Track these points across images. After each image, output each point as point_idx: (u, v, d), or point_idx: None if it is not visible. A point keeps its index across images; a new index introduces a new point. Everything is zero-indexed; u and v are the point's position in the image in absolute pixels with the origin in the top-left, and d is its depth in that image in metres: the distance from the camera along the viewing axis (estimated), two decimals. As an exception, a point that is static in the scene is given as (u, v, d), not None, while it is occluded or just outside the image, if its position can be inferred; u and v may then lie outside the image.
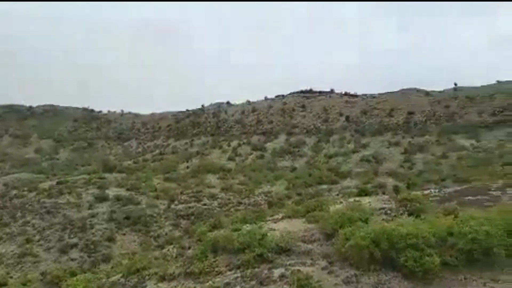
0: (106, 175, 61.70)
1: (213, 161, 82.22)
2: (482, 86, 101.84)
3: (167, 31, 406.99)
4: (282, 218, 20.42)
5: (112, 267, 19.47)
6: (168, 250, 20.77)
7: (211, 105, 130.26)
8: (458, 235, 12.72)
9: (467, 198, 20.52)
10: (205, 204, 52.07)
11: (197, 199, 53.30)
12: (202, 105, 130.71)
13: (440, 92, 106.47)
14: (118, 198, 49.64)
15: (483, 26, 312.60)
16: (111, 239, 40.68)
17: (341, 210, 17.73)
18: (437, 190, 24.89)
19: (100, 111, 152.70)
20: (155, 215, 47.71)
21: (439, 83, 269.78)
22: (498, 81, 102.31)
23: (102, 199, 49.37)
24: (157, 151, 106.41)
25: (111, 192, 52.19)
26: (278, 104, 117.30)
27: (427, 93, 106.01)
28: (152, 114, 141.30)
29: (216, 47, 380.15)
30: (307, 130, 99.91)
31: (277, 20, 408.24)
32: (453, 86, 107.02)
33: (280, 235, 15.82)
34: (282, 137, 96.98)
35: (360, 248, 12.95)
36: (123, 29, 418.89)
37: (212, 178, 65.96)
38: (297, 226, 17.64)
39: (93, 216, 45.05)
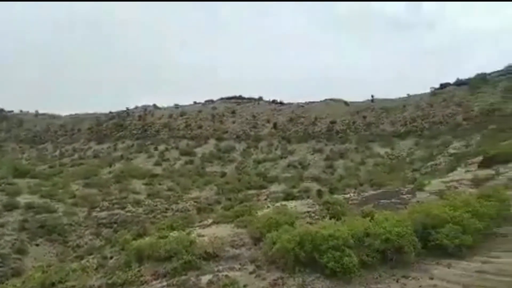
0: (17, 180, 55.98)
1: (138, 166, 78.88)
2: (396, 99, 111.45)
3: (94, 30, 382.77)
4: (211, 224, 20.31)
5: (23, 282, 17.64)
6: (88, 261, 19.46)
7: (136, 107, 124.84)
8: (374, 236, 13.66)
9: (382, 201, 22.24)
10: (129, 211, 49.67)
11: (121, 206, 50.66)
12: (127, 108, 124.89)
13: (359, 103, 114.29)
14: (30, 206, 45.16)
15: (402, 41, 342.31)
16: (22, 251, 36.84)
17: (268, 215, 18.14)
18: (356, 194, 26.65)
19: (11, 111, 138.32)
20: (73, 223, 44.35)
21: (359, 95, 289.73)
22: (408, 94, 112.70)
23: (11, 207, 44.58)
24: (76, 155, 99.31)
25: (23, 199, 47.40)
26: (207, 109, 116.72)
27: (347, 104, 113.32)
28: (71, 116, 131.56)
29: (145, 48, 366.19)
30: (236, 136, 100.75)
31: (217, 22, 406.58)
32: (370, 97, 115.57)
33: (208, 241, 15.71)
34: (212, 142, 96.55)
35: (286, 250, 13.37)
36: (49, 27, 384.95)
37: (137, 184, 63.21)
38: (226, 231, 17.67)
39: (1, 226, 40.52)
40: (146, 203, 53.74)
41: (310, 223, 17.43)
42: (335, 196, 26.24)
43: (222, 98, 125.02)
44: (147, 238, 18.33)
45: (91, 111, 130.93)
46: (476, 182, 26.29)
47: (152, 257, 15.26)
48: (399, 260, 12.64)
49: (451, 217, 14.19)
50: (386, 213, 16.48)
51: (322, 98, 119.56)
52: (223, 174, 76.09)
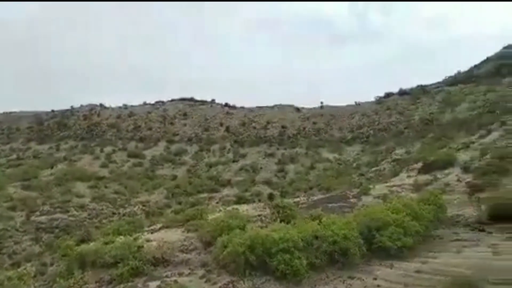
0: None
1: (83, 168, 75.06)
2: (344, 106, 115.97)
3: (31, 30, 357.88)
4: (160, 228, 19.80)
5: None
6: (26, 268, 18.17)
7: (81, 106, 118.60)
8: (322, 238, 14.05)
9: (330, 205, 22.99)
10: (72, 216, 47.12)
11: (63, 210, 47.91)
12: (71, 106, 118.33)
13: (309, 109, 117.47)
14: (-42, 211, 41.52)
15: (349, 51, 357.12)
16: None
17: (220, 218, 18.02)
18: (305, 198, 27.30)
19: None
20: (9, 228, 41.26)
21: (309, 101, 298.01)
22: (355, 102, 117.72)
23: None
24: (14, 155, 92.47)
25: (-51, 203, 43.42)
26: (158, 111, 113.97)
27: (298, 110, 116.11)
28: (7, 113, 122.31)
29: (88, 48, 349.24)
30: (188, 138, 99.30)
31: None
32: (320, 104, 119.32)
33: (157, 246, 15.30)
34: (162, 145, 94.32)
35: (237, 254, 13.35)
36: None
37: (81, 187, 60.15)
38: (175, 235, 17.30)
39: None
40: (91, 207, 51.32)
41: (261, 227, 17.57)
42: (286, 199, 26.67)
43: (173, 100, 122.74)
44: (91, 244, 17.48)
45: (27, 109, 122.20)
46: (416, 187, 27.98)
47: (96, 264, 14.57)
48: (345, 261, 13.10)
49: (393, 220, 14.92)
50: (334, 216, 17.03)
51: (272, 103, 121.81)
52: (174, 177, 74.60)
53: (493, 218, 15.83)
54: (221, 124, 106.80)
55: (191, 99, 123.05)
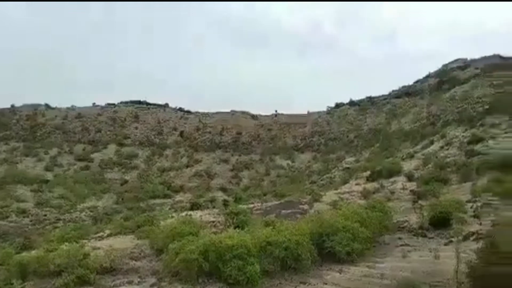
0: None
1: (25, 171, 70.44)
2: (297, 114, 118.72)
3: None
4: (109, 235, 19.03)
5: None
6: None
7: (24, 106, 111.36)
8: (275, 244, 14.21)
9: (283, 211, 23.37)
10: (13, 222, 44.02)
11: (2, 216, 44.70)
12: (12, 105, 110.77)
13: (264, 116, 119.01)
14: None
15: (305, 60, 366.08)
16: None
17: (172, 225, 17.68)
18: (260, 204, 27.53)
19: None
20: None
21: (264, 108, 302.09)
22: (308, 112, 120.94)
23: None
24: None
25: None
26: (108, 113, 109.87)
27: (253, 117, 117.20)
28: None
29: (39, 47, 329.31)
30: (140, 142, 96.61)
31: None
32: (274, 112, 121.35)
33: (105, 253, 14.68)
34: (112, 148, 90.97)
35: (189, 261, 13.14)
36: None
37: (23, 191, 56.41)
38: (125, 243, 16.71)
39: None
40: (34, 212, 48.26)
41: (215, 233, 17.44)
42: (240, 205, 26.71)
43: (124, 102, 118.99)
44: (33, 252, 16.41)
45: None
46: (365, 194, 29.20)
47: (38, 273, 13.68)
48: (297, 267, 13.33)
49: (343, 226, 15.39)
50: (287, 222, 17.30)
51: (228, 109, 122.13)
52: (124, 182, 72.16)
53: (434, 224, 16.90)
54: (175, 129, 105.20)
55: (144, 102, 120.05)
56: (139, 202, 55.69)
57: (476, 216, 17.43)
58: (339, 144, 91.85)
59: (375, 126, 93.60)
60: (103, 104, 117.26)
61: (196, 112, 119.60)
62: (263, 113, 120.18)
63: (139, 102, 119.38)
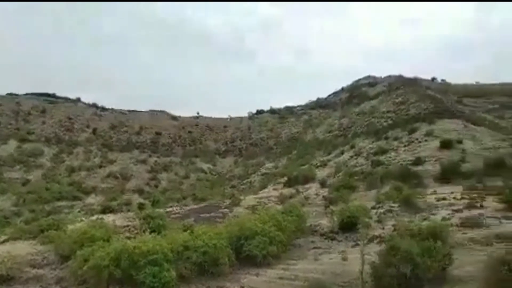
0: None
1: None
2: (219, 118, 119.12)
3: None
4: (6, 240, 17.03)
5: None
6: None
7: None
8: (193, 249, 14.01)
9: (202, 215, 23.18)
10: None
11: None
12: None
13: (185, 118, 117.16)
14: None
15: (227, 66, 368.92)
16: None
17: (81, 229, 16.46)
18: (178, 208, 26.95)
19: None
20: None
21: (185, 109, 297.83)
22: (229, 116, 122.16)
23: None
24: None
25: None
26: (10, 104, 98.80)
27: (174, 117, 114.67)
28: None
29: None
30: (46, 138, 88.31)
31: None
32: (196, 114, 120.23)
33: (1, 260, 13.11)
34: (13, 144, 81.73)
35: (99, 268, 12.36)
36: None
37: None
38: (26, 249, 15.10)
39: None
40: None
41: (129, 238, 16.63)
42: (157, 209, 25.86)
43: (30, 94, 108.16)
44: None
45: None
46: (281, 199, 30.28)
47: None
48: (215, 271, 13.29)
49: (260, 230, 15.76)
50: (205, 226, 17.18)
51: (147, 108, 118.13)
52: (26, 182, 65.25)
53: (343, 228, 18.14)
54: (88, 126, 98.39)
55: (52, 95, 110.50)
56: (43, 204, 50.73)
57: (379, 221, 19.09)
58: (259, 150, 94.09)
59: (293, 134, 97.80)
60: (3, 93, 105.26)
61: (112, 109, 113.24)
62: (184, 114, 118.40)
63: (47, 95, 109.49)
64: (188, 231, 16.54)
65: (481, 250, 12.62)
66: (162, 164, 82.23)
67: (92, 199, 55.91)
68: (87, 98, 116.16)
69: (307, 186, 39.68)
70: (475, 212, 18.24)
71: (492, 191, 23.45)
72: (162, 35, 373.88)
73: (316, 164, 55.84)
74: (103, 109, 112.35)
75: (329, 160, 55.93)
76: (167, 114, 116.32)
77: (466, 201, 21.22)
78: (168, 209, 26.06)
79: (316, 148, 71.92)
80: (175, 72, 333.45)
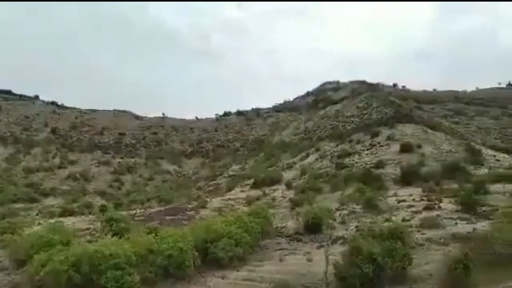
0: None
1: None
2: (185, 119, 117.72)
3: None
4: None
5: None
6: None
7: None
8: (157, 252, 13.73)
9: (168, 217, 22.77)
10: None
11: None
12: None
13: (150, 118, 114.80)
14: None
15: (195, 66, 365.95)
16: None
17: (38, 233, 15.72)
18: (142, 210, 26.34)
19: None
20: None
21: (150, 110, 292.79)
22: (196, 117, 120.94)
23: None
24: None
25: None
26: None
27: (138, 118, 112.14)
28: None
29: None
30: (1, 138, 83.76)
31: None
32: (161, 114, 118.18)
33: None
34: (-37, 143, 77.03)
35: (58, 273, 11.84)
36: None
37: None
38: (-24, 254, 14.24)
39: None
40: None
41: (90, 242, 16.08)
42: (120, 212, 25.14)
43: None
44: None
45: None
46: (248, 201, 30.36)
47: None
48: (180, 275, 13.09)
49: (226, 232, 15.71)
50: (171, 229, 16.89)
51: (110, 108, 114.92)
52: (-23, 183, 61.48)
53: (308, 229, 18.41)
54: (46, 125, 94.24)
55: (8, 92, 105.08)
56: (-4, 206, 47.95)
57: (343, 222, 19.56)
58: (226, 152, 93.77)
59: (259, 136, 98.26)
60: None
61: (73, 108, 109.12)
62: (149, 115, 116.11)
63: (3, 92, 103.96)
64: (153, 234, 16.21)
65: (438, 249, 13.22)
66: (125, 165, 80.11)
67: (51, 201, 53.54)
68: (46, 97, 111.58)
69: (273, 188, 40.00)
70: (433, 213, 19.09)
71: (449, 194, 24.67)
72: (126, 35, 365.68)
73: (283, 166, 56.41)
74: (63, 107, 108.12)
75: (295, 163, 56.67)
76: (131, 114, 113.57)
77: (425, 203, 22.17)
78: (131, 212, 25.39)
79: (283, 151, 72.65)
80: (140, 72, 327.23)
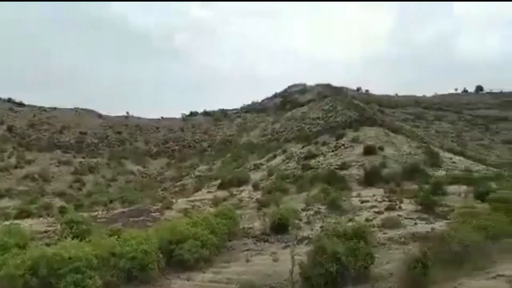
0: None
1: None
2: (150, 119, 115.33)
3: None
4: None
5: None
6: None
7: None
8: (120, 255, 13.36)
9: (132, 219, 22.20)
10: None
11: None
12: None
13: (113, 117, 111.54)
14: None
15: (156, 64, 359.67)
16: None
17: (-8, 236, 14.87)
18: (105, 212, 25.55)
19: None
20: None
21: (113, 109, 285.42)
22: (162, 117, 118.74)
23: None
24: None
25: None
26: None
27: (101, 116, 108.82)
28: None
29: None
30: (-49, 135, 78.80)
31: None
32: (125, 113, 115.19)
33: None
34: None
35: (13, 278, 11.26)
36: None
37: None
38: None
39: None
40: None
41: (49, 245, 15.39)
42: (81, 213, 24.25)
43: None
44: None
45: None
46: (215, 202, 30.16)
47: None
48: (143, 277, 12.81)
49: (192, 234, 15.54)
50: (134, 231, 16.50)
51: (71, 106, 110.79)
52: None
53: (274, 230, 18.56)
54: (2, 122, 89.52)
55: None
56: None
57: (308, 223, 19.86)
58: (193, 152, 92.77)
59: (227, 137, 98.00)
60: None
61: (31, 106, 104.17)
62: (112, 114, 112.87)
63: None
64: (115, 236, 15.77)
65: (398, 249, 13.72)
66: (87, 165, 77.44)
67: (6, 203, 50.82)
68: (2, 94, 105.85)
69: (241, 189, 40.01)
70: (394, 213, 19.78)
71: (409, 194, 25.67)
72: (89, 34, 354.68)
73: (250, 167, 56.56)
74: (21, 105, 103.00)
75: (262, 164, 56.99)
76: (93, 112, 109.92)
77: (387, 203, 22.94)
78: (93, 213, 24.56)
79: (250, 152, 72.85)
80: (104, 71, 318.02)
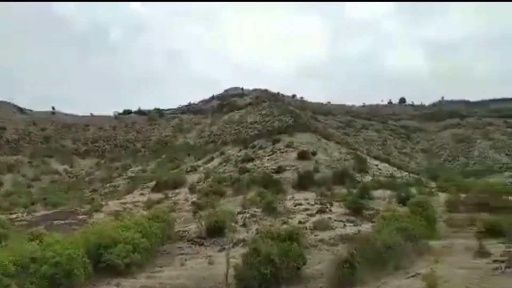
0: None
1: None
2: (79, 116, 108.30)
3: None
4: None
5: None
6: None
7: None
8: (41, 260, 12.42)
9: (56, 222, 20.70)
10: None
11: None
12: None
13: (37, 112, 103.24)
14: None
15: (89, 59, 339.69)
16: None
17: None
18: (25, 214, 23.53)
19: None
20: None
21: (38, 104, 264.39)
22: (91, 114, 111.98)
23: None
24: None
25: None
26: None
27: (22, 111, 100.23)
28: None
29: None
30: None
31: None
32: (51, 109, 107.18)
33: None
34: None
35: None
36: None
37: None
38: None
39: None
40: None
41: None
42: (-3, 216, 22.10)
43: None
44: None
45: None
46: (149, 204, 29.19)
47: None
48: (68, 284, 12.02)
49: (123, 238, 14.90)
50: (58, 235, 15.44)
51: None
52: None
53: (210, 233, 18.44)
54: None
55: None
56: None
57: (244, 225, 20.04)
58: (125, 152, 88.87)
59: (162, 137, 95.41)
60: None
61: None
62: (36, 109, 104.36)
63: None
64: (37, 240, 14.60)
65: (328, 250, 14.39)
66: (5, 163, 70.65)
67: None
68: None
69: (176, 191, 39.13)
70: (325, 216, 20.71)
71: (339, 198, 27.06)
72: (15, 24, 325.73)
73: (186, 169, 55.61)
74: None
75: (199, 166, 56.35)
76: (14, 106, 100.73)
77: (318, 206, 23.96)
78: (11, 216, 22.47)
79: (187, 153, 71.64)
80: (32, 65, 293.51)
